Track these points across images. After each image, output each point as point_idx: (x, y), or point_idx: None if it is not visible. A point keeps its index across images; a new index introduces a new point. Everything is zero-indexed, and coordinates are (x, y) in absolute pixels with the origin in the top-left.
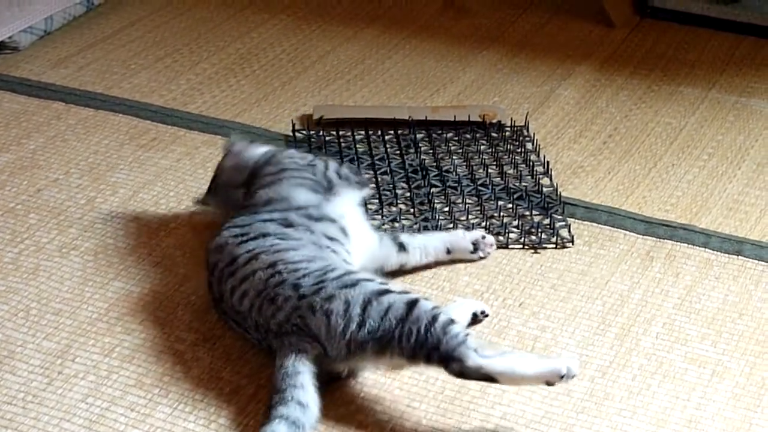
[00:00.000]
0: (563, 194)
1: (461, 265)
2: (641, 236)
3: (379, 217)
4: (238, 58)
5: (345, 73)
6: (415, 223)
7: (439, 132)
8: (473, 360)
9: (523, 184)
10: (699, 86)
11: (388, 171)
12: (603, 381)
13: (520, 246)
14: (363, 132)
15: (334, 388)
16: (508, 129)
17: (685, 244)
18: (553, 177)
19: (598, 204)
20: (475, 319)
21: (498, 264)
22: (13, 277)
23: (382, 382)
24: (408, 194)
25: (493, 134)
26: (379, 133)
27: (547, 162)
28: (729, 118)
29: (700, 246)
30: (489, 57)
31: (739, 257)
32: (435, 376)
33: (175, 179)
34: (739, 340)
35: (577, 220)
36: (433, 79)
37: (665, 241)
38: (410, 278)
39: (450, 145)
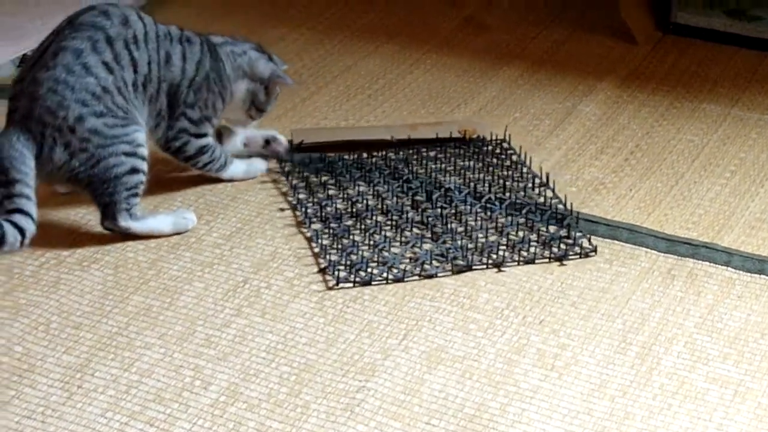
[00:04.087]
0: (585, 211)
1: (482, 282)
2: (663, 254)
3: (398, 244)
4: None
5: (366, 88)
6: (437, 247)
7: (424, 150)
8: (125, 221)
9: (528, 197)
10: (721, 103)
11: (392, 195)
12: (624, 400)
13: (546, 260)
14: (349, 156)
15: (353, 404)
16: (491, 143)
17: (707, 263)
18: (555, 187)
19: (619, 221)
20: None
21: (518, 281)
22: (33, 290)
23: (401, 399)
24: (418, 218)
25: (477, 149)
26: (365, 155)
27: (547, 174)
28: (752, 136)
29: (722, 265)
30: (510, 73)
31: (762, 276)
32: (455, 393)
33: (195, 194)
34: (762, 360)
35: (598, 238)
36: (453, 95)
37: (687, 259)
38: (431, 294)
39: (439, 163)
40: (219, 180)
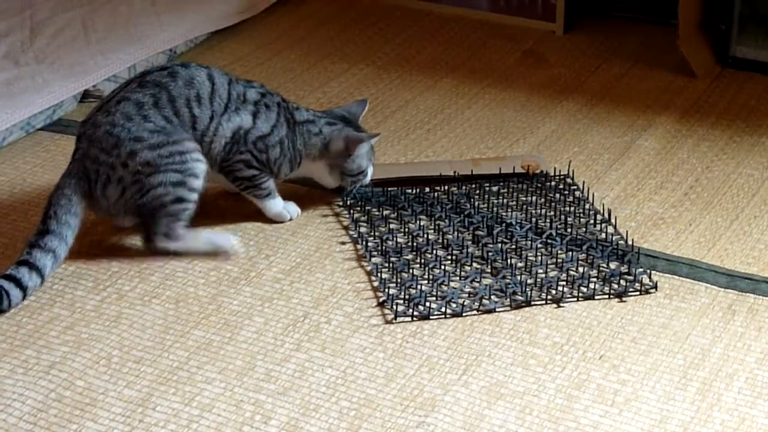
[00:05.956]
0: (644, 246)
1: (541, 318)
2: (723, 289)
3: (458, 278)
4: (318, 108)
5: (425, 122)
6: (496, 282)
7: (487, 185)
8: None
9: (590, 233)
10: None
11: (453, 229)
12: None
13: (605, 296)
14: (411, 190)
15: None
16: (554, 178)
17: None
18: (616, 224)
19: (679, 256)
20: None
21: (578, 316)
22: (95, 324)
23: None
24: (478, 252)
25: (540, 184)
26: (427, 189)
27: (609, 210)
28: None
29: None
30: (569, 107)
31: None
32: (514, 429)
33: (255, 228)
34: None
35: (657, 273)
36: (512, 129)
37: (747, 294)
38: (490, 330)
39: (501, 197)
40: None
